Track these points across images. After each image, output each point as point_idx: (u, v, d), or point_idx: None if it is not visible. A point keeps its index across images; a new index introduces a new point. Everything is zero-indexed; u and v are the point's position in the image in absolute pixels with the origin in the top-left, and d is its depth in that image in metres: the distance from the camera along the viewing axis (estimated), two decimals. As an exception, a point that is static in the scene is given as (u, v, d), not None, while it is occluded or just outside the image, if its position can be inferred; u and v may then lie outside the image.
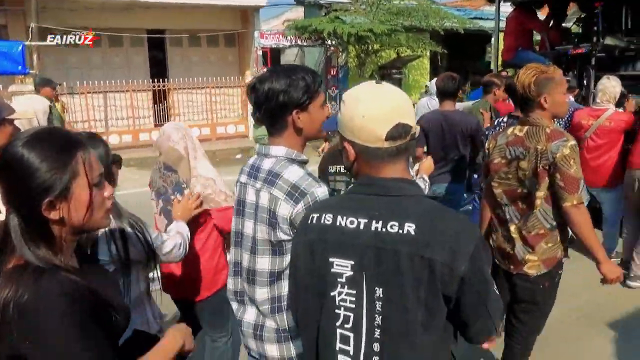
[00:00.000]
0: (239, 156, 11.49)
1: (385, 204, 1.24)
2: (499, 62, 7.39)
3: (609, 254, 4.45)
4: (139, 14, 12.02)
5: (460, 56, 15.35)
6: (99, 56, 12.62)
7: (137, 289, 1.96)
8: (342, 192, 2.63)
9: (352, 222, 1.26)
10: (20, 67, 9.14)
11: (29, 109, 2.60)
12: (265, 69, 11.86)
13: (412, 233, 1.18)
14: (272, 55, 15.12)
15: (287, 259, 1.62)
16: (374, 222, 1.23)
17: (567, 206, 2.30)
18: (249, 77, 12.98)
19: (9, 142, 1.14)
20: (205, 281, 2.59)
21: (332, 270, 1.27)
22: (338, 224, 1.27)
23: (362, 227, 1.24)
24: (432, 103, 5.79)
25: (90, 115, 11.72)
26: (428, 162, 2.94)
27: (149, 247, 1.91)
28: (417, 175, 2.86)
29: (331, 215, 1.30)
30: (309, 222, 1.34)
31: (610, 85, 4.45)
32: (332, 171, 2.84)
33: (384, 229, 1.21)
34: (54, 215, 1.13)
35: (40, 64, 10.15)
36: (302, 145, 1.74)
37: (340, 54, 13.32)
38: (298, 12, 16.94)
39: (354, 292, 1.24)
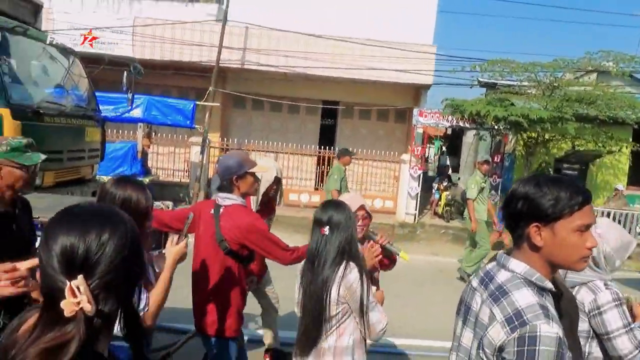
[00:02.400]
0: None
1: None
2: None
3: None
4: (315, 86, 13.08)
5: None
6: (279, 121, 14.11)
7: None
8: None
9: None
10: (188, 122, 10.93)
11: (266, 165, 3.52)
12: (419, 147, 11.34)
13: None
14: (447, 136, 14.41)
15: None
16: None
17: None
18: (406, 156, 12.60)
19: None
20: None
21: None
22: None
23: None
24: None
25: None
26: None
27: None
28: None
29: None
30: None
31: None
32: None
33: None
34: None
35: (211, 121, 11.90)
36: (549, 271, 1.48)
37: (510, 140, 11.85)
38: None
39: None
